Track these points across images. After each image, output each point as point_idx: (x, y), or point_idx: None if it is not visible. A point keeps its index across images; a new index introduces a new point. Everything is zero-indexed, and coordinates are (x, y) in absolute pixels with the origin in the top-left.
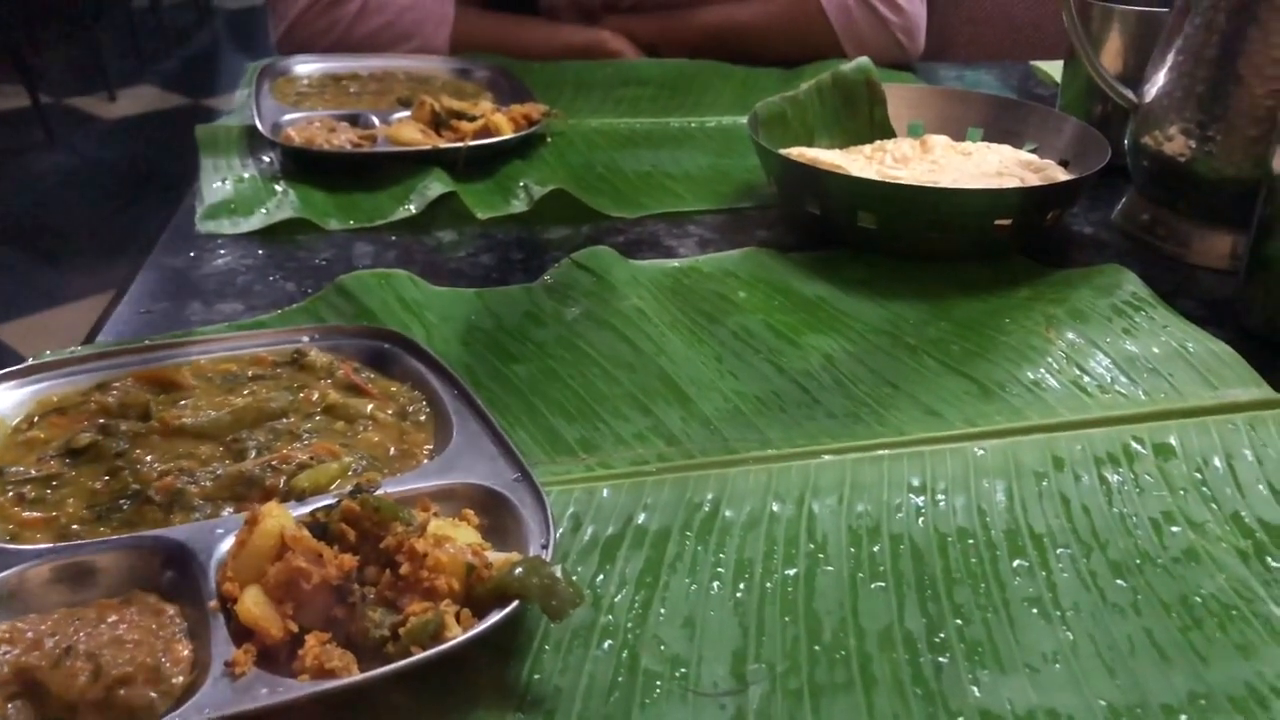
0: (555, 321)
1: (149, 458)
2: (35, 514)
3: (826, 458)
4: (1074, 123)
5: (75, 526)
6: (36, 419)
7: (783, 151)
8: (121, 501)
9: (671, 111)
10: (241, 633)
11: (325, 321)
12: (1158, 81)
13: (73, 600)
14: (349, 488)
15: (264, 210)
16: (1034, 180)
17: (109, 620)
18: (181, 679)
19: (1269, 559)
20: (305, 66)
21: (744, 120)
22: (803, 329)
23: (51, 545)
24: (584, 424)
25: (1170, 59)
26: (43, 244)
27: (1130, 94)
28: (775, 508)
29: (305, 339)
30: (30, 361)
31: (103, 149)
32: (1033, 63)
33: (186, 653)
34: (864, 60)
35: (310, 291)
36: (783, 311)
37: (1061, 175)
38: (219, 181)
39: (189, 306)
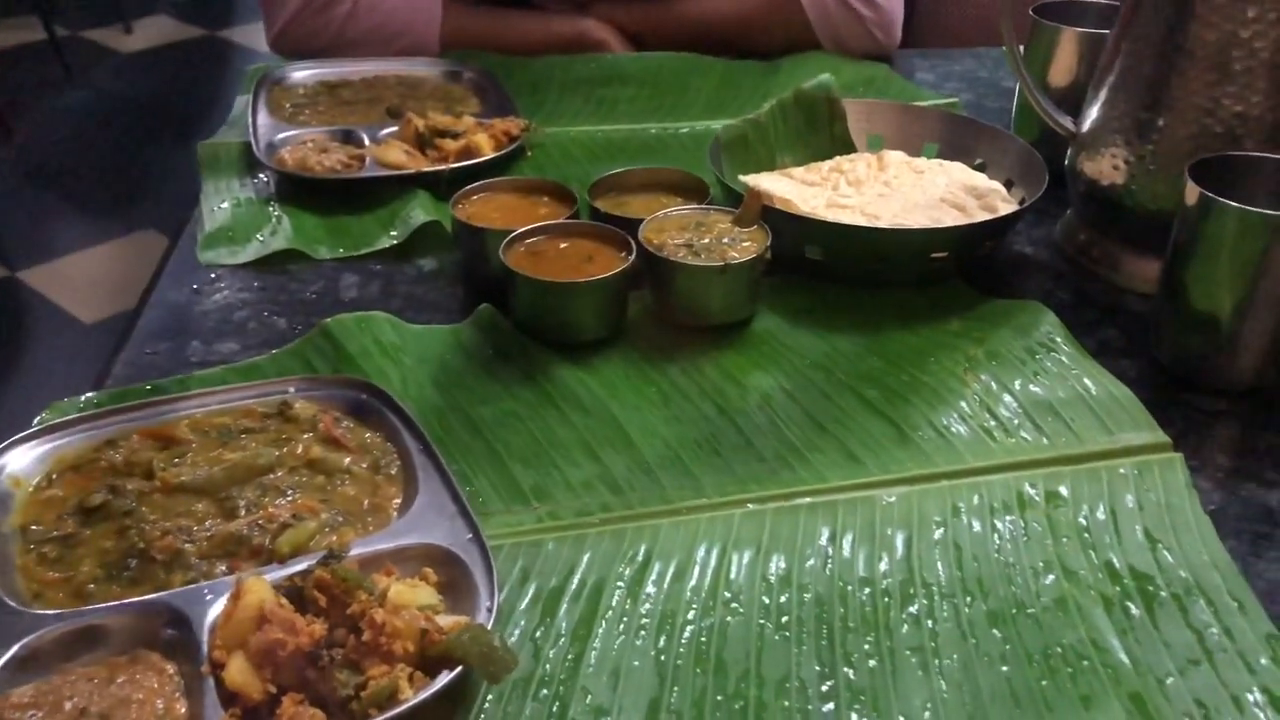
0: (521, 358)
1: (152, 516)
2: (55, 574)
3: (750, 506)
4: (1019, 145)
5: (90, 586)
6: (55, 476)
7: (742, 178)
8: (129, 560)
9: (649, 115)
10: (228, 694)
11: (312, 363)
12: (1093, 111)
13: (85, 659)
14: (323, 551)
15: (259, 239)
16: (975, 207)
17: (118, 680)
18: None
19: (1130, 606)
20: (300, 73)
21: (717, 125)
22: (748, 366)
23: (69, 610)
24: (538, 470)
25: (1104, 91)
26: (64, 184)
27: (1069, 122)
28: (699, 559)
29: (291, 389)
30: (45, 420)
31: (120, 83)
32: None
33: (183, 710)
34: (825, 78)
35: (299, 329)
36: (731, 347)
37: (1002, 204)
38: (220, 204)
39: (189, 347)
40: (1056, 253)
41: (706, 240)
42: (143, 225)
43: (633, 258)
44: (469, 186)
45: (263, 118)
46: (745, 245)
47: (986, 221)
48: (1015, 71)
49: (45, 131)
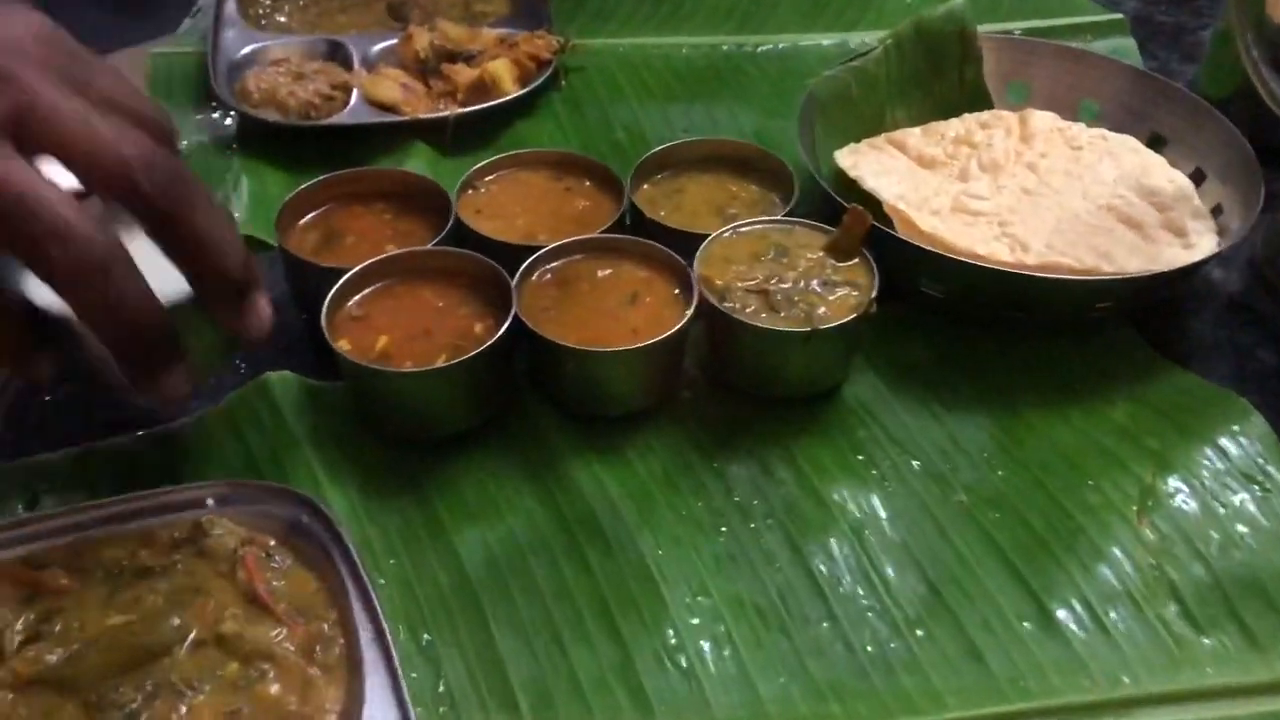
0: (530, 440)
1: None
2: None
3: None
4: (1219, 123)
5: None
6: None
7: (839, 159)
8: None
9: (721, 23)
10: None
11: (244, 436)
12: None
13: None
14: None
15: None
16: (1155, 224)
17: None
18: None
19: None
20: None
21: (806, 42)
22: (833, 468)
23: None
24: (535, 651)
25: None
26: None
27: None
28: None
29: (210, 501)
30: None
31: None
32: None
33: None
34: (957, 4)
35: (245, 368)
36: (811, 431)
37: (1192, 223)
38: None
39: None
40: (1254, 276)
41: (789, 283)
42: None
43: (690, 311)
44: (483, 164)
45: (230, 20)
46: (842, 295)
47: (1176, 271)
48: (1239, 38)
49: None
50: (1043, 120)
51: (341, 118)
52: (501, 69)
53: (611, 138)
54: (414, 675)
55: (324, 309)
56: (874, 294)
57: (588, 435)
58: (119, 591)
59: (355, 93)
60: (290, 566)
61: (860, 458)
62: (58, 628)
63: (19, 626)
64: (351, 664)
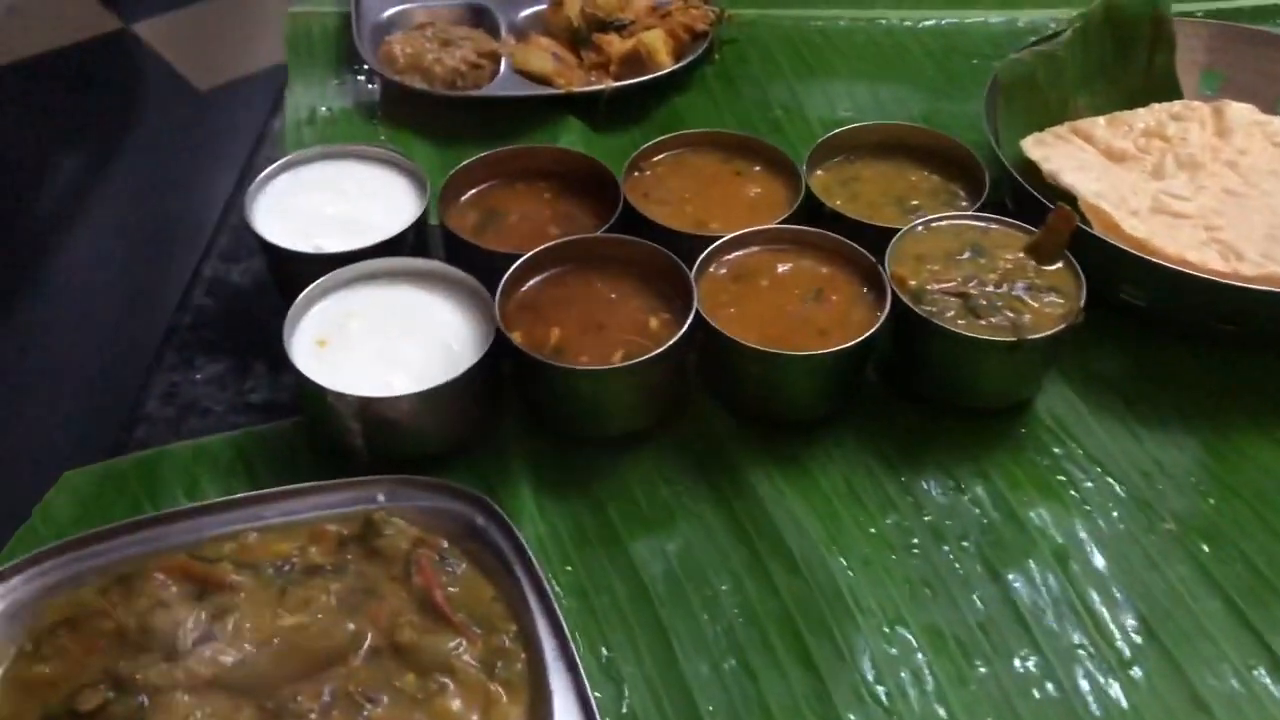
0: (703, 446)
1: None
2: None
3: None
4: None
5: None
6: (44, 639)
7: (1026, 147)
8: None
9: None
10: None
11: None
12: None
13: None
14: None
15: None
16: None
17: None
18: None
19: None
20: None
21: (974, 18)
22: (1030, 487)
23: None
24: (724, 676)
25: None
26: None
27: None
28: None
29: (381, 497)
30: (37, 550)
31: None
32: None
33: None
34: None
35: None
36: (1004, 446)
37: None
38: (307, 113)
39: (251, 371)
40: None
41: (990, 286)
42: None
43: (885, 313)
44: (650, 144)
45: None
46: (1048, 301)
47: None
48: None
49: None
50: (1240, 113)
51: (492, 89)
52: (657, 40)
53: (770, 116)
54: (596, 695)
55: (496, 297)
56: (1082, 302)
57: (762, 440)
58: (289, 590)
59: (504, 62)
60: (465, 572)
61: (1060, 478)
62: (230, 626)
63: (190, 625)
64: (535, 681)
